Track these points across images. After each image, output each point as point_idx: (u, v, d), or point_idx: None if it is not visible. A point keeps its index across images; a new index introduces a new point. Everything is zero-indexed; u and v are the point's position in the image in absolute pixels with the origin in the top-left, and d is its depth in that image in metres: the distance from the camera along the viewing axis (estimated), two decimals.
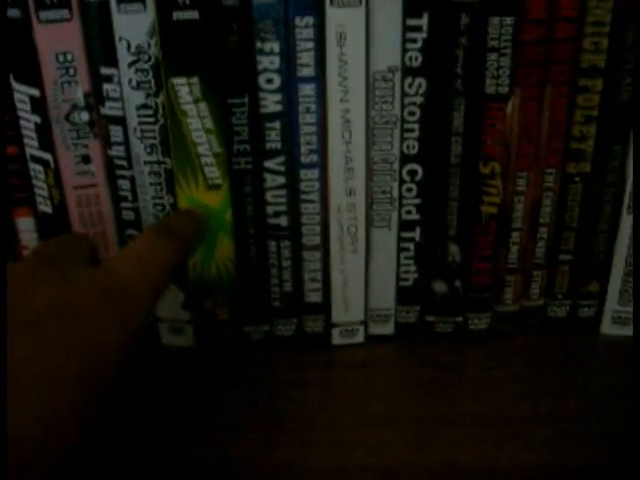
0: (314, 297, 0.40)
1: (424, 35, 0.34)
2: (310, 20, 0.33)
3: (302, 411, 0.36)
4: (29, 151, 0.36)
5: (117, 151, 0.36)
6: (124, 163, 0.37)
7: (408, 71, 0.35)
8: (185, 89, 0.34)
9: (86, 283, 0.26)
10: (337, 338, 0.41)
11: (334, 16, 0.33)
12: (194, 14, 0.33)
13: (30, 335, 0.23)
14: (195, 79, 0.34)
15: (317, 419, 0.36)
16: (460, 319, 0.41)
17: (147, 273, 0.28)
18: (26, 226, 0.38)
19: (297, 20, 0.33)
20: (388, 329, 0.41)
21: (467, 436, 0.34)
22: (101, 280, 0.27)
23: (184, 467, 0.33)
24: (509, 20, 0.34)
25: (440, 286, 0.40)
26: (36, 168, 0.37)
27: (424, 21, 0.34)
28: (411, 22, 0.34)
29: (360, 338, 0.41)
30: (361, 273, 0.39)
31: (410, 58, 0.35)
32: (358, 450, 0.34)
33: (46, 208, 0.38)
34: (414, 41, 0.34)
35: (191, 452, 0.34)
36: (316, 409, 0.37)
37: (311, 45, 0.34)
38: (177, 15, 0.33)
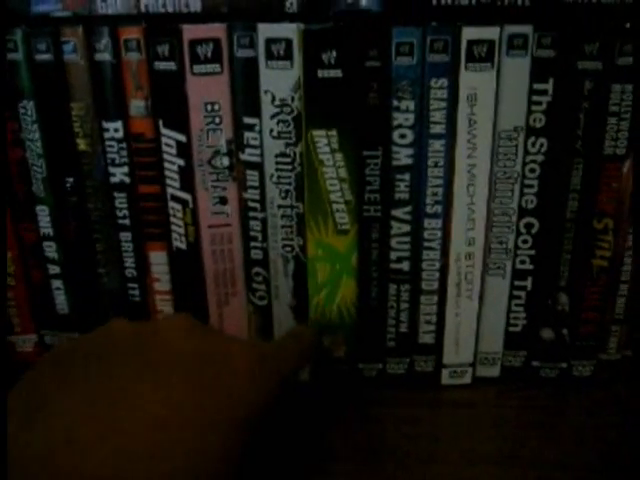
0: (427, 338, 0.41)
1: (549, 99, 0.36)
2: (444, 82, 0.36)
3: (413, 446, 0.38)
4: (170, 191, 0.39)
5: (252, 194, 0.39)
6: (257, 206, 0.39)
7: (531, 131, 0.37)
8: (324, 140, 0.36)
9: (238, 346, 0.31)
10: (446, 378, 0.42)
11: (467, 79, 0.36)
12: (338, 73, 0.35)
13: (189, 379, 0.27)
14: (334, 132, 0.36)
15: (428, 454, 0.37)
16: (565, 365, 0.42)
17: (282, 360, 0.33)
18: (158, 260, 0.41)
19: (432, 82, 0.36)
20: (494, 372, 0.43)
21: (575, 478, 0.35)
22: (251, 349, 0.31)
23: None
24: (630, 87, 0.36)
25: (548, 333, 0.41)
26: (175, 207, 0.39)
27: (549, 86, 0.36)
28: (537, 86, 0.36)
29: (468, 379, 0.42)
30: (474, 318, 0.41)
31: (534, 119, 0.37)
32: None
33: (181, 244, 0.40)
34: (539, 104, 0.36)
35: None
36: (427, 445, 0.38)
37: (444, 105, 0.36)
38: (322, 73, 0.35)
